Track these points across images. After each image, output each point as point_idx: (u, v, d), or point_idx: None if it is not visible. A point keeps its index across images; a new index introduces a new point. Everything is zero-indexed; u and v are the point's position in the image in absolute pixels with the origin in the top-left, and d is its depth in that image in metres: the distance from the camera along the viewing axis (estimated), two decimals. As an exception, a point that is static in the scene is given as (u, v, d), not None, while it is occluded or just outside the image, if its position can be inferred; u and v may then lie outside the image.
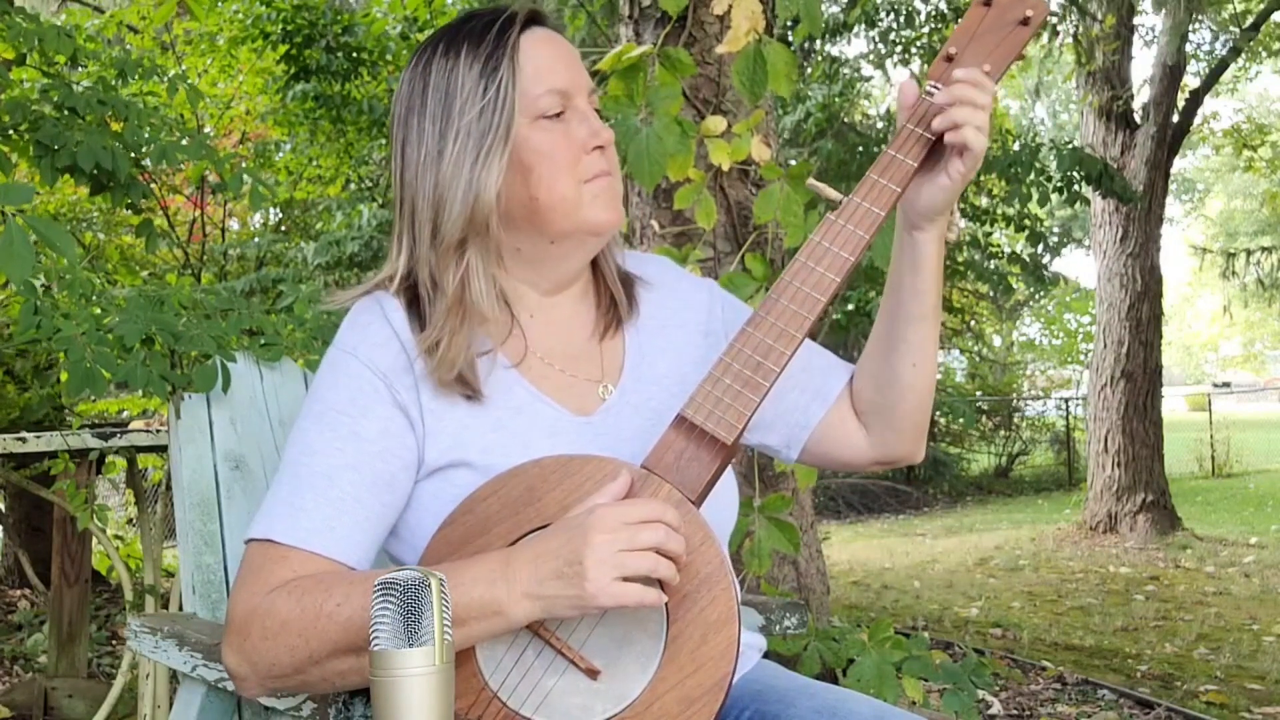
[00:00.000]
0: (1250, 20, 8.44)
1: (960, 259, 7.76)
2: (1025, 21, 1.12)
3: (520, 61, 1.09)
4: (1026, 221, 7.32)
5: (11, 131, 2.42)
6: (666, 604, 0.97)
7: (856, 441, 1.23)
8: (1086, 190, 7.11)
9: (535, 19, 1.13)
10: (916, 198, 1.11)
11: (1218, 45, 9.60)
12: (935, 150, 1.10)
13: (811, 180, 1.36)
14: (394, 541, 1.12)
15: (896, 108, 1.14)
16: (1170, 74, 8.56)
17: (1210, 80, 9.21)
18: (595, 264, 1.21)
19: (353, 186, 7.09)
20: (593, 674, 0.97)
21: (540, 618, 0.95)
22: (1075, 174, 6.77)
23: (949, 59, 1.13)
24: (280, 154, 6.69)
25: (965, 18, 1.14)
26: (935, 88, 1.11)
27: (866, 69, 8.68)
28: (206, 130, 5.72)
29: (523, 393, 1.12)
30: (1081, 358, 18.51)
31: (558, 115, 1.10)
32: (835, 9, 7.22)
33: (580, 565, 0.91)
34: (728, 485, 1.15)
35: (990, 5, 1.13)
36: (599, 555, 0.91)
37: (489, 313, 1.10)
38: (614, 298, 1.20)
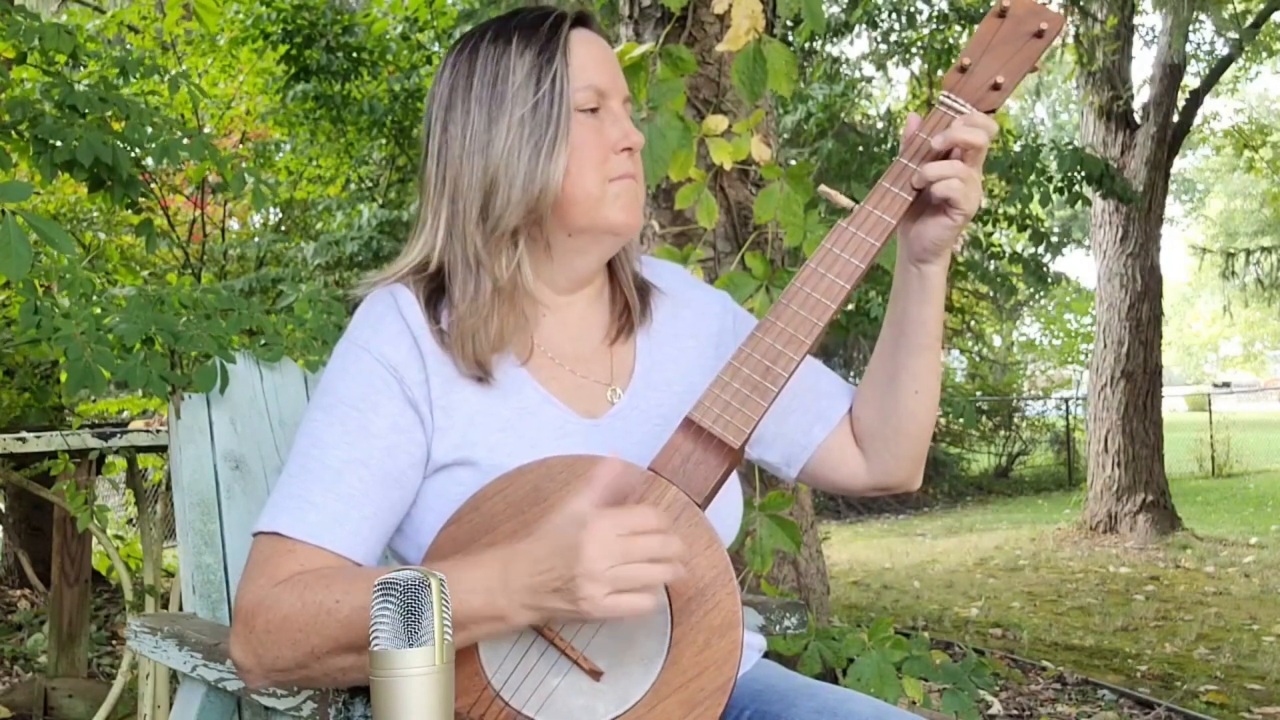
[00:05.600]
0: (1250, 20, 8.43)
1: (960, 259, 7.75)
2: (1040, 34, 1.12)
3: (568, 56, 1.10)
4: (1028, 221, 7.31)
5: (12, 131, 2.41)
6: (671, 607, 0.97)
7: (854, 466, 1.24)
8: (1087, 190, 7.11)
9: (585, 20, 1.15)
10: (922, 234, 1.11)
11: (1218, 45, 9.60)
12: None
13: (823, 187, 1.36)
14: (398, 538, 1.12)
15: (905, 123, 1.14)
16: (1170, 74, 8.56)
17: (1210, 80, 9.21)
18: (612, 268, 1.22)
19: (353, 186, 7.08)
20: (595, 675, 0.97)
21: (543, 623, 0.96)
22: (1076, 174, 6.76)
23: (963, 70, 1.13)
24: (280, 154, 6.69)
25: (980, 29, 1.14)
26: (949, 98, 1.11)
27: (868, 69, 8.68)
28: (207, 130, 5.72)
29: (531, 393, 1.12)
30: (1081, 358, 18.51)
31: (592, 111, 1.11)
32: (836, 9, 7.21)
33: (574, 583, 0.89)
34: (733, 491, 1.15)
35: (1005, 17, 1.13)
36: (593, 574, 0.89)
37: (539, 296, 1.13)
38: (629, 302, 1.20)
